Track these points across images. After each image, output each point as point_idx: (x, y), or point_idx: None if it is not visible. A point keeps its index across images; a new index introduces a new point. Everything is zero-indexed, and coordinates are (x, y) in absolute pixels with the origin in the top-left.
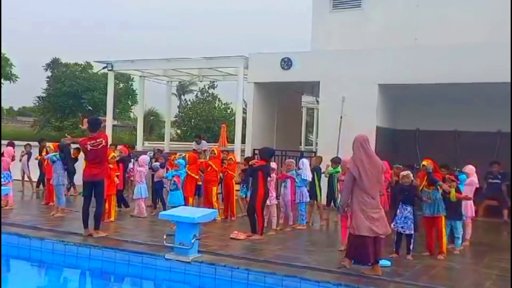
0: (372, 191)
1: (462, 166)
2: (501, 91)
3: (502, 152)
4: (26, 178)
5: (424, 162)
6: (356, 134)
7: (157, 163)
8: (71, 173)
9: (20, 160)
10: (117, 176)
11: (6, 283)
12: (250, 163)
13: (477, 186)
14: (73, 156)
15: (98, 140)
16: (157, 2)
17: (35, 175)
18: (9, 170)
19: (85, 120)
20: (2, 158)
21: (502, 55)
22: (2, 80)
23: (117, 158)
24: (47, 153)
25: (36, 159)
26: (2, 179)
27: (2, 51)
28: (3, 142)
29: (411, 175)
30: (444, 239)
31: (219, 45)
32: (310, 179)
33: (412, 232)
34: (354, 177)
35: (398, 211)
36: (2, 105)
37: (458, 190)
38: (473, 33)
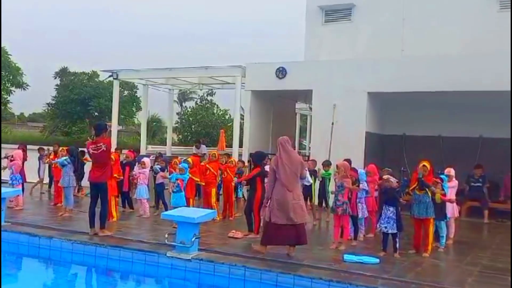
0: (289, 185)
1: (445, 169)
2: (483, 99)
3: (483, 155)
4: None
5: (425, 163)
6: (280, 137)
7: (158, 166)
8: (80, 175)
9: (46, 162)
10: (121, 178)
11: (16, 280)
12: (245, 178)
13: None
14: (84, 160)
15: (98, 145)
16: (159, 12)
17: (46, 177)
18: (19, 173)
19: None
20: (14, 161)
21: (483, 65)
22: (14, 88)
23: (124, 162)
24: (56, 156)
25: (47, 162)
26: (13, 182)
27: (14, 60)
28: (13, 146)
29: (392, 178)
30: (431, 239)
31: (218, 54)
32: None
33: (396, 231)
34: (275, 173)
35: (382, 211)
36: (14, 111)
37: (442, 193)
38: (455, 44)
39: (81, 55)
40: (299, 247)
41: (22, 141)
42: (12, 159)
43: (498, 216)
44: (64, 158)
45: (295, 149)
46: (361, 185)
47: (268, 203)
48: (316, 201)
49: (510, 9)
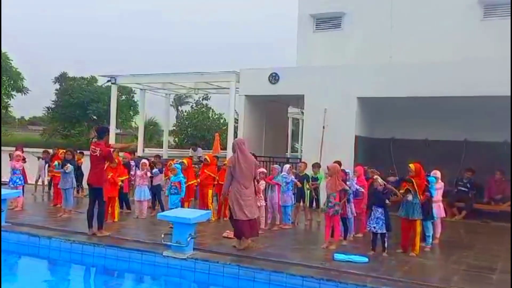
0: (245, 182)
1: (431, 171)
2: (468, 104)
3: (468, 158)
4: (39, 182)
5: (411, 165)
6: (236, 139)
7: (157, 169)
8: (77, 176)
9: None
10: (123, 180)
11: (16, 279)
12: None
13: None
14: (77, 162)
15: (96, 148)
16: (156, 19)
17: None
18: (22, 174)
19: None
20: (19, 163)
21: (469, 72)
22: (14, 92)
23: (122, 162)
24: (56, 158)
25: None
26: (15, 183)
27: (14, 65)
28: (13, 148)
29: (380, 179)
30: (418, 239)
31: (214, 60)
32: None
33: (385, 231)
34: (233, 172)
35: (371, 212)
36: (15, 114)
37: (428, 192)
38: (441, 51)
39: (82, 60)
40: (288, 246)
41: (22, 143)
42: (19, 159)
43: (483, 217)
44: (64, 169)
45: (287, 152)
46: (348, 183)
47: (226, 200)
48: (307, 202)
49: (510, 17)
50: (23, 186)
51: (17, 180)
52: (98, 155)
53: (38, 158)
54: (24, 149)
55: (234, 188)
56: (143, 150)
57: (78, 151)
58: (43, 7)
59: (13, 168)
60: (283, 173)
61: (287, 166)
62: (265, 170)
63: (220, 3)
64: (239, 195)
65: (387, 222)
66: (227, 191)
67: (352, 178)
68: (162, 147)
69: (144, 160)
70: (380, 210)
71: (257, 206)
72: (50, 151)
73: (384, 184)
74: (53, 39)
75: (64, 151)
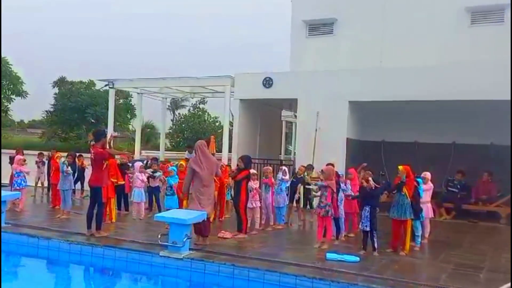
0: (206, 182)
1: (420, 173)
2: (456, 107)
3: (456, 160)
4: (39, 184)
5: (400, 167)
6: (197, 141)
7: (159, 173)
8: (77, 179)
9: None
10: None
11: (16, 279)
12: (232, 175)
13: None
14: (81, 166)
15: (92, 151)
16: (153, 22)
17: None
18: (24, 177)
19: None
20: (24, 167)
21: (457, 76)
22: (14, 96)
23: (118, 162)
24: (54, 161)
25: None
26: (20, 185)
27: (14, 70)
28: (13, 151)
29: (371, 181)
30: (408, 238)
31: (214, 60)
32: (288, 184)
33: (373, 229)
34: (194, 171)
35: (362, 212)
36: (14, 118)
37: (417, 193)
38: (430, 56)
39: (82, 61)
40: (282, 246)
41: (22, 147)
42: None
43: (470, 217)
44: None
45: (281, 154)
46: (342, 185)
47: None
48: (301, 203)
49: (510, 21)
50: (25, 188)
51: (22, 182)
52: (93, 157)
53: (37, 165)
54: (24, 152)
55: (195, 187)
56: (140, 153)
57: (78, 154)
58: (43, 8)
59: (17, 171)
60: (280, 175)
61: (283, 167)
62: (255, 172)
63: (220, 3)
64: (199, 193)
65: (373, 220)
66: (187, 190)
67: (347, 182)
68: (158, 150)
69: (138, 163)
70: (367, 208)
71: (252, 206)
72: (51, 152)
73: (375, 186)
74: (54, 40)
75: (67, 154)
